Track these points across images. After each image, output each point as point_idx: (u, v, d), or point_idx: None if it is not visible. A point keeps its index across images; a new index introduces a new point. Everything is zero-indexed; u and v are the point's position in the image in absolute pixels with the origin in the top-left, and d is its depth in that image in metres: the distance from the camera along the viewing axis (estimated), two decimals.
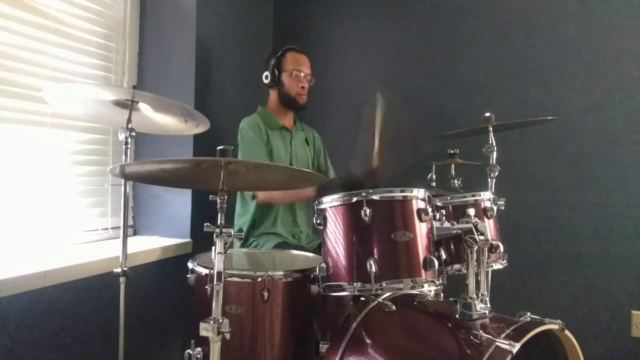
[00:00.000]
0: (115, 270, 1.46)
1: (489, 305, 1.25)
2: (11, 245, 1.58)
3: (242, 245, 2.02)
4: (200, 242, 1.97)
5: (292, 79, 2.08)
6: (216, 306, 1.04)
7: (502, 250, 1.29)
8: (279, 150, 2.08)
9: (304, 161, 2.19)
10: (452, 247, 1.40)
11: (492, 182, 1.69)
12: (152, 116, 1.55)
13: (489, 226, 1.45)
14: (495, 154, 1.67)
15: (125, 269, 1.46)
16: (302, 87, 2.10)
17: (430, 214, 1.27)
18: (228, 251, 1.12)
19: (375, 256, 1.21)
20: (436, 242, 1.31)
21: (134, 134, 1.46)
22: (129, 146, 1.47)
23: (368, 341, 1.29)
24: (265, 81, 2.11)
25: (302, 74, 2.09)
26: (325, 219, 1.30)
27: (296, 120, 2.25)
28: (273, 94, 2.14)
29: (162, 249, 1.91)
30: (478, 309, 1.22)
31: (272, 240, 1.98)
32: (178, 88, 2.07)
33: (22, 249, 1.61)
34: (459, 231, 1.26)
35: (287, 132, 2.15)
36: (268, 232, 2.02)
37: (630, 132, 2.17)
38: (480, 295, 1.24)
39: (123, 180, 1.48)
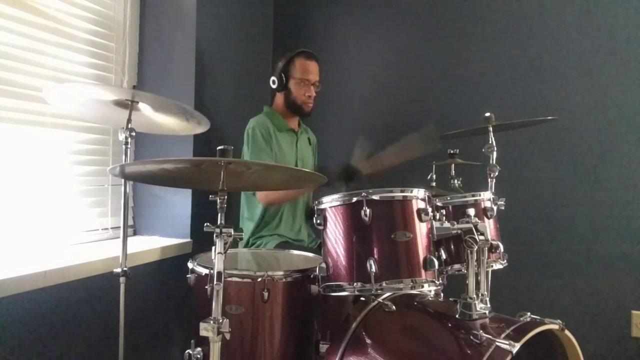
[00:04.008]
0: (115, 270, 1.46)
1: (489, 305, 1.25)
2: (11, 245, 1.58)
3: (244, 247, 2.02)
4: (200, 242, 1.97)
5: (299, 87, 2.05)
6: (216, 306, 1.04)
7: (502, 250, 1.30)
8: (287, 153, 2.07)
9: (309, 163, 2.20)
10: (452, 247, 1.40)
11: (492, 182, 1.69)
12: (152, 116, 1.55)
13: (489, 226, 1.45)
14: (495, 154, 1.67)
15: (125, 269, 1.46)
16: (309, 97, 2.08)
17: (430, 214, 1.27)
18: (229, 251, 1.12)
19: (375, 256, 1.21)
20: (436, 242, 1.31)
21: (134, 134, 1.46)
22: (129, 146, 1.47)
23: (368, 341, 1.29)
24: (273, 86, 2.09)
25: (310, 83, 2.06)
26: (325, 219, 1.30)
27: (300, 121, 2.24)
28: (279, 97, 2.12)
29: (162, 249, 1.90)
30: (478, 309, 1.22)
31: (275, 240, 1.98)
32: (178, 88, 2.07)
33: (22, 249, 1.60)
34: (459, 231, 1.26)
35: (293, 134, 2.15)
36: (271, 234, 2.02)
37: (630, 132, 2.17)
38: (480, 295, 1.24)
39: (123, 180, 1.48)
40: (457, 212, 1.43)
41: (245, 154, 2.00)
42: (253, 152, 1.97)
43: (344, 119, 2.69)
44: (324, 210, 1.31)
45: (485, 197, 1.49)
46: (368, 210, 1.22)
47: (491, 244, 1.24)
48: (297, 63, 2.06)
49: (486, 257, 1.25)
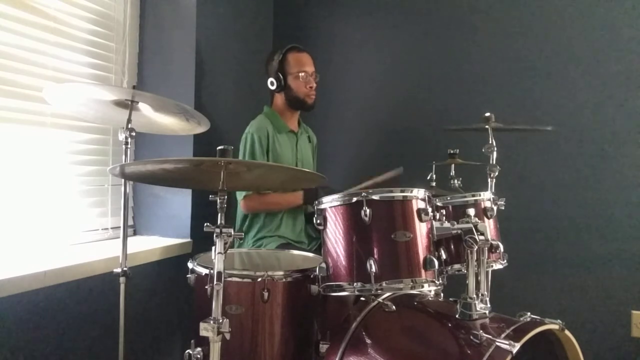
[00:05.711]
0: (115, 270, 1.46)
1: (489, 305, 1.25)
2: (11, 245, 1.58)
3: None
4: (200, 242, 1.97)
5: (299, 81, 2.04)
6: (216, 306, 1.05)
7: (502, 250, 1.30)
8: (286, 155, 2.06)
9: (309, 163, 2.19)
10: (452, 247, 1.40)
11: (492, 182, 1.68)
12: (152, 116, 1.55)
13: (489, 226, 1.45)
14: (495, 154, 1.67)
15: (125, 269, 1.46)
16: (311, 87, 2.07)
17: (430, 214, 1.27)
18: (229, 251, 1.12)
19: (375, 256, 1.21)
20: (436, 242, 1.31)
21: (134, 134, 1.46)
22: (129, 146, 1.47)
23: (368, 341, 1.30)
24: (272, 87, 2.06)
25: (308, 74, 2.06)
26: (325, 219, 1.30)
27: (300, 121, 2.23)
28: (279, 98, 2.11)
29: (162, 249, 1.90)
30: (478, 309, 1.22)
31: (276, 242, 1.98)
32: (178, 88, 2.06)
33: (22, 249, 1.60)
34: (459, 231, 1.26)
35: (293, 135, 2.14)
36: (272, 235, 2.02)
37: (630, 132, 2.17)
38: (480, 295, 1.24)
39: (123, 180, 1.48)
40: (457, 212, 1.43)
41: (238, 153, 2.01)
42: (244, 157, 1.98)
43: (344, 118, 2.69)
44: (324, 210, 1.31)
45: (485, 197, 1.48)
46: (368, 210, 1.22)
47: (491, 244, 1.24)
48: (290, 58, 2.05)
49: (486, 257, 1.25)
